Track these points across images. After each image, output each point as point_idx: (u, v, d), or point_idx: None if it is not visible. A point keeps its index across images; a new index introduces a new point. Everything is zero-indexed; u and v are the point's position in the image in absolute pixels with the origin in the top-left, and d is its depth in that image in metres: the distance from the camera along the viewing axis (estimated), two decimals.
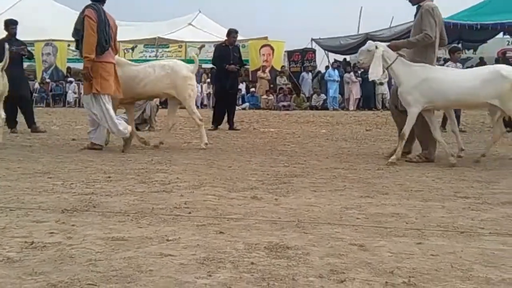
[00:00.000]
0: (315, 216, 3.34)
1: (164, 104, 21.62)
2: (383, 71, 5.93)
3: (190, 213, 3.37)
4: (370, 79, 6.19)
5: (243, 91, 22.89)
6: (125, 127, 6.47)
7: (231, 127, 10.80)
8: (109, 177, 4.68)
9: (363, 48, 6.05)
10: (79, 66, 24.81)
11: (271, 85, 22.90)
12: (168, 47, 25.46)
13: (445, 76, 5.58)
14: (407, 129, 5.67)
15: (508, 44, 25.11)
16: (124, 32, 26.40)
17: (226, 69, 10.94)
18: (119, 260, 2.41)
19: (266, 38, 25.28)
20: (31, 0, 27.09)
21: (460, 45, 25.25)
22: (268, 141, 8.36)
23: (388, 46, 5.90)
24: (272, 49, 24.57)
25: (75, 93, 23.39)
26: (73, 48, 24.76)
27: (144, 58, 25.36)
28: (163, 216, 3.27)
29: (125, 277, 2.20)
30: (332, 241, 2.78)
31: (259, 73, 23.38)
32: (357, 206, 3.62)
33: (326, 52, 25.36)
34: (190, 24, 28.05)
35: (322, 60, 25.50)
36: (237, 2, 52.30)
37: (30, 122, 9.59)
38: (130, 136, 6.58)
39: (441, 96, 5.51)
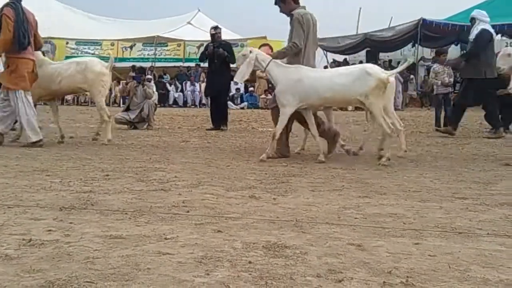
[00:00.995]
0: (313, 215, 3.34)
1: (161, 103, 21.61)
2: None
3: (188, 211, 3.37)
4: (235, 80, 6.65)
5: (242, 90, 22.88)
6: (34, 133, 6.71)
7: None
8: (107, 175, 4.68)
9: (239, 54, 6.49)
10: None
11: (270, 85, 22.88)
12: (166, 46, 25.44)
13: (318, 75, 5.93)
14: (278, 129, 5.95)
15: (506, 46, 25.11)
16: (123, 30, 26.46)
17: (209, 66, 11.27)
18: (116, 258, 2.41)
19: (265, 37, 25.26)
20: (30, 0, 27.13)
21: (458, 46, 25.36)
22: (266, 140, 8.34)
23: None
24: (271, 48, 24.52)
25: None
26: (72, 46, 24.85)
27: (142, 56, 25.38)
28: (161, 214, 3.27)
29: (123, 275, 2.19)
30: (330, 240, 2.78)
31: (258, 73, 23.35)
32: (355, 206, 3.62)
33: (325, 52, 25.36)
34: (189, 23, 28.02)
35: (321, 60, 25.50)
36: (236, 1, 52.28)
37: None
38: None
39: (315, 94, 5.79)
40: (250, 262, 2.39)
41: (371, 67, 5.87)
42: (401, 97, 21.87)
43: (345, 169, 5.33)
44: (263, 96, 22.06)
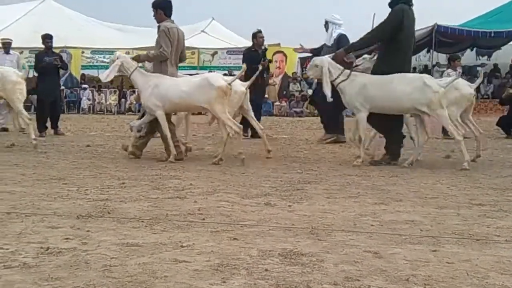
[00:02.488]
0: (329, 223, 3.33)
1: None
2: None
3: (204, 219, 3.38)
4: (99, 76, 7.17)
5: None
6: None
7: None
8: (123, 183, 4.71)
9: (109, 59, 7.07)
10: (93, 72, 25.06)
11: (284, 92, 22.90)
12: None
13: (172, 83, 6.38)
14: (165, 131, 6.34)
15: None
16: (137, 39, 26.62)
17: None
18: (133, 266, 2.42)
19: (278, 44, 25.28)
20: (44, 8, 27.35)
21: (474, 52, 25.16)
22: (281, 147, 8.35)
23: (133, 58, 6.88)
24: (285, 55, 24.59)
25: (89, 99, 23.55)
26: (87, 55, 25.08)
27: None
28: (177, 222, 3.28)
29: (140, 283, 2.20)
30: (347, 248, 2.77)
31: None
32: (372, 213, 3.60)
33: None
34: (203, 31, 28.13)
35: None
36: (250, 10, 52.43)
37: (55, 125, 10.59)
38: None
39: (168, 100, 6.29)
40: (266, 270, 2.39)
41: (212, 76, 6.47)
42: None
43: (360, 176, 5.30)
44: (277, 103, 22.06)
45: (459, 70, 10.96)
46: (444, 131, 9.80)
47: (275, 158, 6.78)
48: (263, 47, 10.93)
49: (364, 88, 6.04)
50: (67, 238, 2.90)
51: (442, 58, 23.36)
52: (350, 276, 2.32)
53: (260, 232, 3.08)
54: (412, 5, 6.32)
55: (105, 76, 6.57)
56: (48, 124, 10.52)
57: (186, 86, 6.28)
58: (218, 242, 2.84)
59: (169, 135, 6.32)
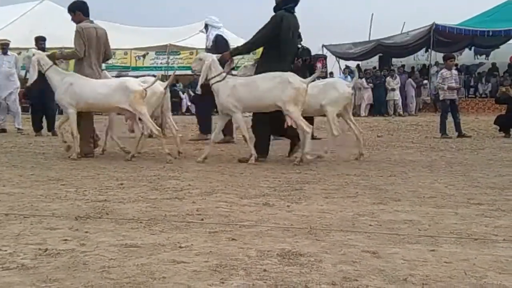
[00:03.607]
0: (327, 223, 3.33)
1: (174, 111, 21.66)
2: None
3: (202, 220, 3.38)
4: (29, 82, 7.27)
5: None
6: None
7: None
8: (122, 184, 4.71)
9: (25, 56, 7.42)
10: None
11: None
12: (179, 54, 25.54)
13: (86, 83, 6.55)
14: (74, 129, 6.55)
15: None
16: (135, 39, 26.60)
17: None
18: (132, 267, 2.42)
19: None
20: (42, 8, 27.31)
21: (472, 51, 25.19)
22: (279, 148, 8.33)
23: (48, 56, 6.88)
24: None
25: None
26: None
27: (155, 65, 25.50)
28: (175, 223, 3.28)
29: (138, 284, 2.20)
30: (345, 248, 2.77)
31: None
32: (370, 213, 3.60)
33: (337, 58, 25.36)
34: (201, 31, 28.08)
35: (333, 66, 25.50)
36: (248, 9, 52.42)
37: (51, 127, 10.45)
38: None
39: (82, 99, 6.47)
40: (265, 270, 2.39)
41: (129, 80, 6.85)
42: (414, 102, 21.77)
43: (358, 175, 5.31)
44: None
45: (454, 69, 10.96)
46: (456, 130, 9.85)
47: (274, 158, 6.78)
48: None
49: (234, 89, 6.24)
50: (65, 240, 2.90)
51: (441, 57, 23.42)
52: (348, 276, 2.32)
53: (259, 233, 3.08)
54: (293, 12, 6.52)
55: (31, 78, 6.88)
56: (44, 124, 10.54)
57: (102, 88, 6.50)
58: (217, 243, 2.84)
59: (76, 134, 6.53)
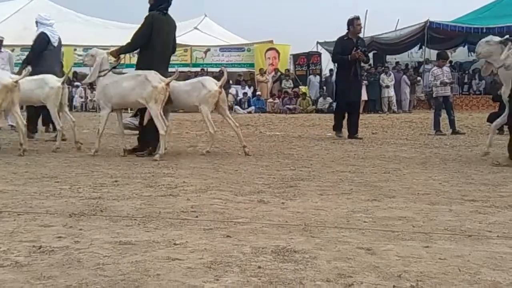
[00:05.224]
0: (322, 219, 3.34)
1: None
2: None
3: (197, 217, 3.38)
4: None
5: (249, 94, 22.92)
6: None
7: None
8: (116, 181, 4.70)
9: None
10: (86, 70, 24.93)
11: (279, 89, 22.88)
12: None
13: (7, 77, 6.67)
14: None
15: None
16: (129, 36, 26.53)
17: (350, 61, 9.34)
18: (126, 264, 2.42)
19: (271, 41, 25.31)
20: (35, 5, 27.20)
21: (466, 48, 25.23)
22: (274, 144, 8.36)
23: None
24: (278, 52, 24.61)
25: (81, 97, 23.49)
26: (79, 53, 24.95)
27: None
28: (170, 220, 3.28)
29: (133, 281, 2.20)
30: (339, 244, 2.78)
31: (258, 77, 23.41)
32: (364, 210, 3.61)
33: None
34: (195, 28, 28.08)
35: (328, 63, 25.49)
36: (243, 7, 52.37)
37: (47, 125, 10.42)
38: None
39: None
40: (259, 267, 2.39)
41: (48, 77, 7.34)
42: (408, 99, 21.80)
43: (353, 172, 5.32)
44: (270, 100, 22.07)
45: (446, 68, 10.99)
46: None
47: (269, 155, 6.79)
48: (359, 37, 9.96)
49: (106, 87, 6.53)
50: (59, 237, 2.89)
51: (435, 54, 23.48)
52: (343, 272, 2.32)
53: (253, 229, 3.08)
54: (166, 12, 6.74)
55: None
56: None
57: (27, 84, 6.91)
58: (211, 240, 2.84)
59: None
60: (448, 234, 2.98)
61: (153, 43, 6.63)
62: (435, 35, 21.68)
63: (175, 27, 7.02)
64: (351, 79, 9.43)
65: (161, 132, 6.30)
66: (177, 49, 23.93)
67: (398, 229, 3.08)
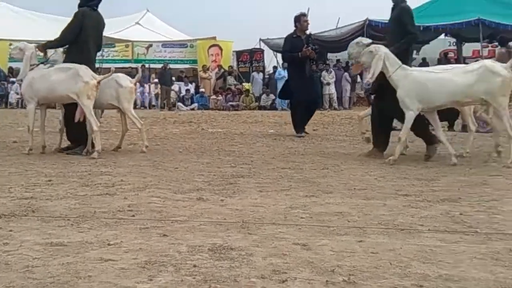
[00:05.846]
0: (260, 216, 3.35)
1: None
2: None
3: (133, 216, 3.32)
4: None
5: (192, 91, 22.76)
6: None
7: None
8: (50, 180, 4.56)
9: None
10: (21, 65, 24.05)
11: (220, 86, 22.81)
12: (114, 47, 24.97)
13: None
14: None
15: (449, 45, 25.92)
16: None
17: (300, 59, 9.18)
18: (57, 266, 2.35)
19: (214, 38, 25.20)
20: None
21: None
22: (216, 141, 8.33)
23: None
24: (221, 49, 24.53)
25: (17, 93, 22.64)
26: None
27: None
28: (105, 220, 3.21)
29: (62, 284, 2.14)
30: (276, 241, 2.80)
31: (201, 74, 23.31)
32: (302, 206, 3.65)
33: (275, 52, 25.49)
34: (137, 23, 27.60)
35: (271, 60, 25.63)
36: (186, 2, 51.92)
37: None
38: None
39: None
40: (194, 266, 2.37)
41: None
42: (348, 96, 22.22)
43: (293, 169, 5.36)
44: (213, 97, 21.99)
45: None
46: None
47: (210, 152, 6.76)
48: (307, 33, 9.82)
49: (32, 80, 6.41)
50: None
51: None
52: (278, 269, 2.34)
53: (191, 228, 3.06)
54: (96, 9, 6.75)
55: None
56: None
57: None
58: (147, 239, 2.80)
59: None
60: (381, 228, 3.06)
61: (82, 39, 6.55)
62: (375, 33, 22.11)
63: (104, 24, 6.97)
64: (306, 76, 9.45)
65: (95, 128, 6.18)
66: (117, 44, 23.45)
67: (334, 224, 3.13)
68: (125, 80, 6.84)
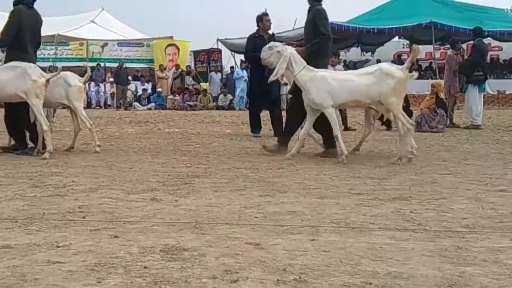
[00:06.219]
0: (214, 216, 3.34)
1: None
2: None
3: (84, 217, 3.26)
4: None
5: (149, 90, 22.53)
6: None
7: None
8: None
9: None
10: None
11: (178, 86, 22.65)
12: (68, 45, 24.49)
13: None
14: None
15: (403, 47, 26.51)
16: None
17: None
18: (2, 269, 2.28)
19: (171, 37, 25.03)
20: None
21: (359, 48, 26.37)
22: (172, 141, 8.26)
23: None
24: (178, 48, 24.37)
25: None
26: None
27: (42, 56, 24.18)
28: (54, 221, 3.14)
29: (8, 287, 2.08)
30: (229, 241, 2.79)
31: (158, 73, 23.11)
32: (256, 205, 3.66)
33: (232, 52, 25.50)
34: (92, 21, 27.13)
35: (229, 60, 25.63)
36: (142, 1, 51.39)
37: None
38: None
39: None
40: (145, 267, 2.34)
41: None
42: None
43: (249, 168, 5.37)
44: (170, 97, 21.81)
45: (339, 66, 11.39)
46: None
47: (165, 152, 6.70)
48: (270, 32, 9.77)
49: None
50: None
51: None
52: (230, 269, 2.34)
53: (143, 229, 3.03)
54: (32, 6, 6.69)
55: None
56: None
57: None
58: (98, 241, 2.75)
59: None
60: (333, 226, 3.09)
61: (20, 38, 6.42)
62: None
63: (41, 21, 6.83)
64: (265, 76, 9.42)
65: (45, 128, 6.06)
66: (71, 43, 22.90)
67: (287, 223, 3.15)
68: (74, 79, 6.73)
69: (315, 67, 6.12)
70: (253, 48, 9.37)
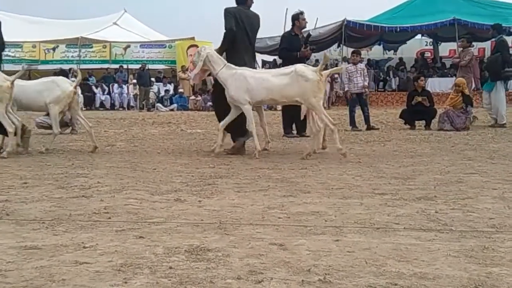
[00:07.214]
0: (237, 217, 3.35)
1: (87, 106, 21.04)
2: None
3: (109, 218, 3.30)
4: None
5: (171, 91, 22.67)
6: None
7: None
8: (26, 183, 4.50)
9: None
10: None
11: (201, 86, 22.73)
12: (91, 47, 24.79)
13: None
14: None
15: (426, 45, 26.26)
16: (44, 31, 25.52)
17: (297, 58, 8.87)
18: (30, 270, 2.32)
19: (193, 38, 25.15)
20: None
21: (381, 46, 26.17)
22: (194, 142, 8.31)
23: None
24: None
25: None
26: None
27: (66, 58, 24.58)
28: (80, 222, 3.18)
29: (36, 287, 2.11)
30: (253, 241, 2.79)
31: (180, 74, 23.22)
32: (280, 206, 3.66)
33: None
34: (115, 23, 27.42)
35: None
36: (164, 2, 51.72)
37: None
38: None
39: None
40: (170, 268, 2.36)
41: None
42: (327, 95, 22.31)
43: (271, 169, 5.37)
44: (192, 97, 21.92)
45: (361, 65, 11.25)
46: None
47: (188, 153, 6.74)
48: (306, 33, 9.85)
49: None
50: None
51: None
52: (254, 269, 2.34)
53: (168, 229, 3.05)
54: None
55: None
56: None
57: None
58: (123, 242, 2.78)
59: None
60: (358, 227, 3.08)
61: None
62: (352, 34, 22.32)
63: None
64: None
65: (9, 130, 6.19)
66: (95, 45, 23.16)
67: (310, 224, 3.15)
68: (65, 83, 6.85)
69: (235, 65, 6.45)
70: (288, 46, 9.43)
